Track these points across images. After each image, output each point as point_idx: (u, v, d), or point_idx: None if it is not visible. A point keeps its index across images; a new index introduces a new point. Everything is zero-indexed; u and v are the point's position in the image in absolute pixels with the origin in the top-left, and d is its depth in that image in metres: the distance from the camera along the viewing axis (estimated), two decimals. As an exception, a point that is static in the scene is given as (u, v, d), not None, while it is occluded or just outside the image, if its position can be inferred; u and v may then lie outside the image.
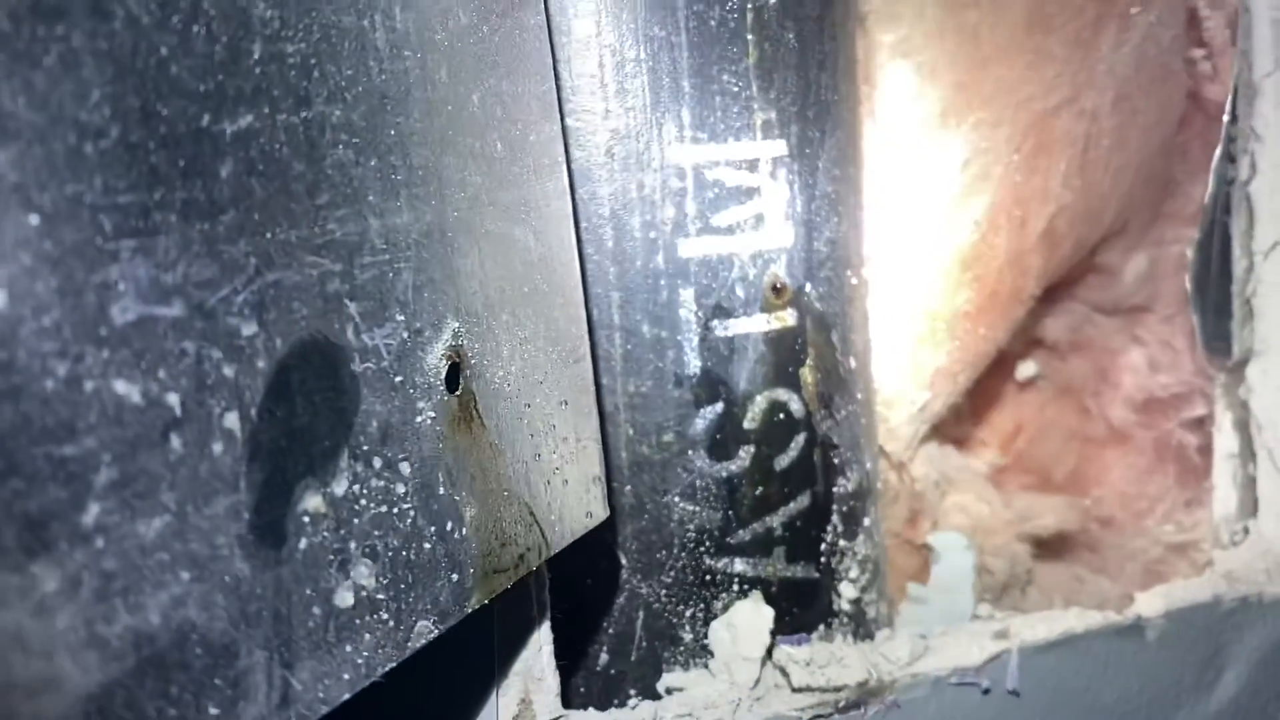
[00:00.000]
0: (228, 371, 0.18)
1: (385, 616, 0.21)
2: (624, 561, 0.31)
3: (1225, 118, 0.38)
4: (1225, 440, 0.40)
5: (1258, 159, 0.38)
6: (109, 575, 0.16)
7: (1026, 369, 0.40)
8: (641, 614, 0.32)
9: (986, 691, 0.33)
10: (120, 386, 0.16)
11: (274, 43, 0.19)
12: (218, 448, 0.17)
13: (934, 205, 0.33)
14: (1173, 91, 0.37)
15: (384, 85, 0.22)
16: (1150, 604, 0.37)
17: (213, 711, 0.17)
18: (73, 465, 0.16)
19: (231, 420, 0.18)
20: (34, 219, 0.15)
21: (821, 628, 0.33)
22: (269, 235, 0.18)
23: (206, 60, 0.17)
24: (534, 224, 0.28)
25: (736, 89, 0.31)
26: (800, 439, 0.33)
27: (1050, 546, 0.39)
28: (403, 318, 0.22)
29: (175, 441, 0.17)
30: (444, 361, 0.23)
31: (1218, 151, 0.37)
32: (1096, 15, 0.35)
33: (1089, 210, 0.36)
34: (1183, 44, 0.37)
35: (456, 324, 0.24)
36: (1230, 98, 0.38)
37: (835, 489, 0.34)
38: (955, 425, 0.40)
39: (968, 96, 0.34)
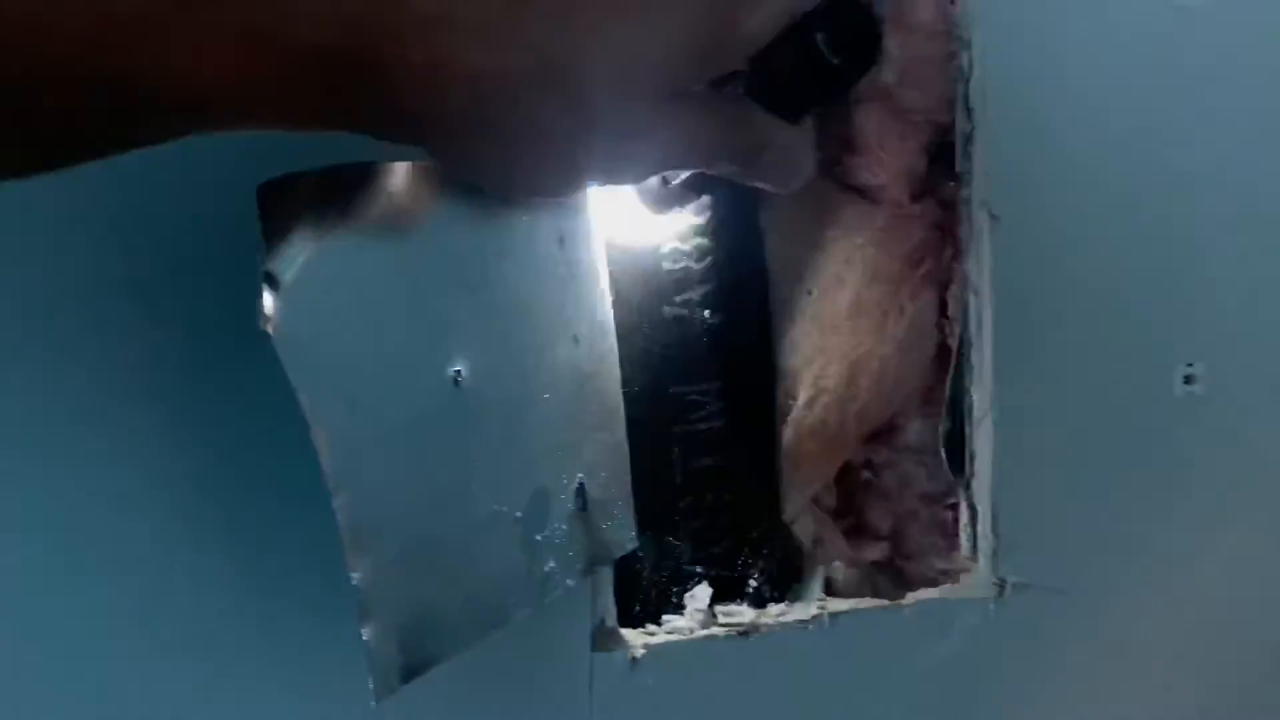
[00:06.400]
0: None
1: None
2: (645, 559, 0.68)
3: (956, 355, 0.74)
4: (964, 516, 0.76)
5: (973, 379, 0.73)
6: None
7: (866, 476, 0.76)
8: (654, 588, 0.68)
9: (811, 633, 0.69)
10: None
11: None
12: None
13: (797, 406, 0.70)
14: (929, 342, 0.73)
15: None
16: (914, 596, 0.73)
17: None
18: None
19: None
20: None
21: (737, 600, 0.69)
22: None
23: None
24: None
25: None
26: (730, 514, 0.69)
27: (873, 570, 0.75)
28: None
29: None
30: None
31: (951, 372, 0.73)
32: (886, 307, 0.72)
33: (883, 403, 0.72)
34: (936, 317, 0.73)
35: (582, 475, 0.61)
36: (957, 345, 0.73)
37: (748, 535, 0.70)
38: (826, 502, 0.76)
39: (817, 353, 0.70)
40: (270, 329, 0.40)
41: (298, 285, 0.41)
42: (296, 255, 0.41)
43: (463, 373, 0.48)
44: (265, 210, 0.41)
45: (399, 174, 0.46)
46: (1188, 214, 0.71)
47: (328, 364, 0.42)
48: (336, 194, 0.43)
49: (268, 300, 0.40)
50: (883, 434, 0.74)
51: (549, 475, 0.54)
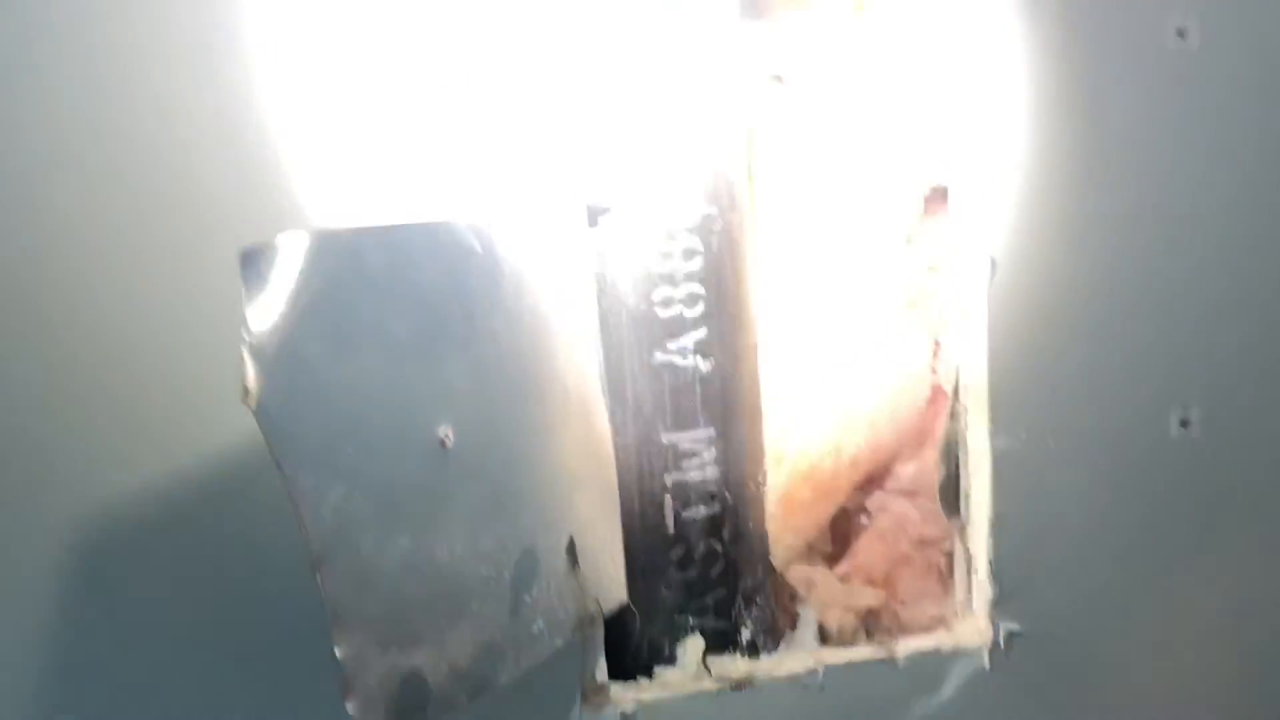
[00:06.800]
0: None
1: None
2: (635, 612, 0.66)
3: (950, 400, 0.73)
4: (960, 563, 0.75)
5: (968, 423, 0.72)
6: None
7: (860, 519, 0.75)
8: (645, 640, 0.67)
9: (806, 688, 0.68)
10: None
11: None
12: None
13: (789, 453, 0.69)
14: (922, 386, 0.71)
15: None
16: (909, 646, 0.72)
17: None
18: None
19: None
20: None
21: (730, 650, 0.68)
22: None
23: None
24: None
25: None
26: (722, 561, 0.68)
27: (867, 616, 0.74)
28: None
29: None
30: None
31: (946, 419, 0.72)
32: (882, 352, 0.71)
33: (876, 448, 0.71)
34: (930, 362, 0.72)
35: (572, 530, 0.59)
36: (953, 389, 0.72)
37: (740, 584, 0.69)
38: (820, 548, 0.75)
39: (810, 399, 0.69)
40: (251, 403, 0.39)
41: (280, 356, 0.40)
42: (279, 324, 0.40)
43: (449, 435, 0.47)
44: (248, 276, 0.39)
45: (382, 235, 0.45)
46: (1185, 259, 0.70)
47: (311, 436, 0.41)
48: (320, 258, 0.42)
49: (250, 371, 0.39)
50: (876, 477, 0.73)
51: (538, 533, 0.53)
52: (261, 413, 0.39)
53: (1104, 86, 0.67)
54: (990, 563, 0.71)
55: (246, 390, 0.38)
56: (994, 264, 0.67)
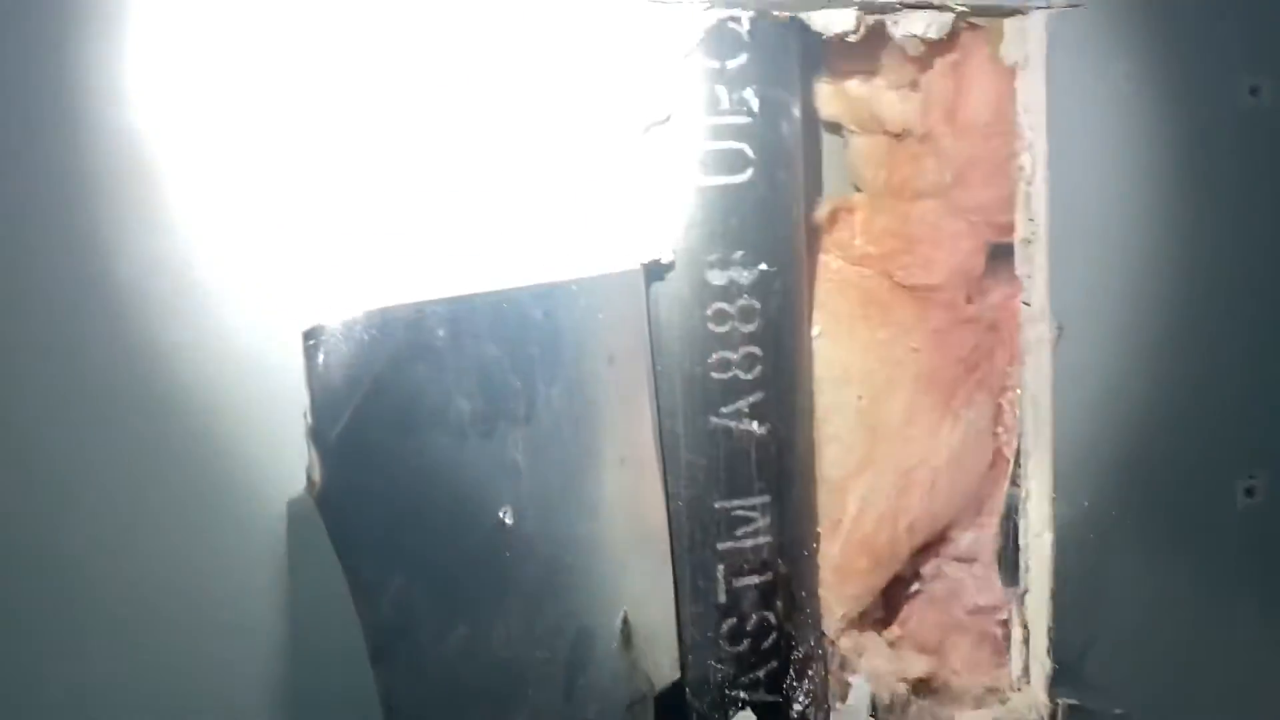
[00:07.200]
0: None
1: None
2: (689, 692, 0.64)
3: (1011, 465, 0.70)
4: (1016, 632, 0.72)
5: (1030, 490, 0.70)
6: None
7: (913, 586, 0.73)
8: (695, 717, 0.64)
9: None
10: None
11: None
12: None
13: (845, 519, 0.66)
14: (984, 451, 0.69)
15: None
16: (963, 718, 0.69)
17: None
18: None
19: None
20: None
21: (783, 726, 0.65)
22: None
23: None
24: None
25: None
26: (775, 633, 0.66)
27: (919, 685, 0.71)
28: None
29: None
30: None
31: (1007, 484, 0.70)
32: (941, 414, 0.68)
33: (934, 515, 0.68)
34: (991, 424, 0.70)
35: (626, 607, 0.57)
36: (1015, 456, 0.70)
37: (793, 656, 0.67)
38: (873, 614, 0.73)
39: (867, 463, 0.67)
40: (315, 494, 0.37)
41: (344, 443, 0.38)
42: (342, 408, 0.38)
43: (508, 515, 0.45)
44: (310, 358, 0.38)
45: (445, 308, 0.44)
46: (1252, 325, 0.68)
47: (373, 525, 0.39)
48: (383, 335, 0.40)
49: (314, 461, 0.37)
50: (932, 543, 0.71)
51: (593, 612, 0.51)
52: (324, 505, 0.37)
53: (1177, 146, 0.65)
54: (1049, 634, 0.68)
55: (312, 482, 0.36)
56: (1060, 328, 0.65)
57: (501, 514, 0.43)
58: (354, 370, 0.38)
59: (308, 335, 0.36)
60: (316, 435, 0.36)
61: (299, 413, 0.36)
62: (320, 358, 0.36)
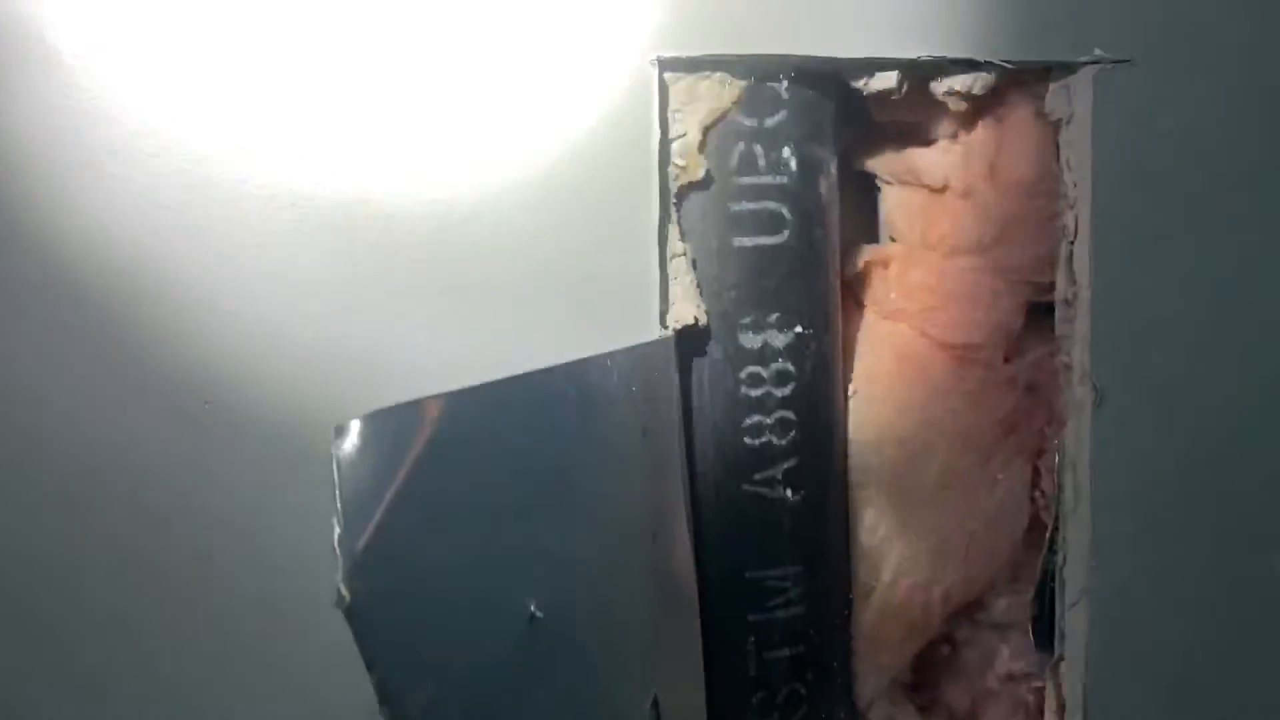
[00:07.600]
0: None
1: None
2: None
3: (1050, 530, 0.68)
4: (1051, 701, 0.70)
5: (1067, 556, 0.68)
6: None
7: (943, 649, 0.71)
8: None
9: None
10: None
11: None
12: None
13: (879, 586, 0.65)
14: (1021, 516, 0.67)
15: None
16: (998, 792, 0.67)
17: None
18: None
19: None
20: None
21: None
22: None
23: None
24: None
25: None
26: (805, 705, 0.64)
27: (951, 754, 0.70)
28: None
29: None
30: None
31: (1044, 550, 0.68)
32: (978, 478, 0.66)
33: (969, 582, 0.67)
34: (1028, 490, 0.68)
35: (656, 689, 0.55)
36: (1053, 521, 0.68)
37: (822, 727, 0.65)
38: (902, 679, 0.71)
39: (902, 529, 0.65)
40: (344, 607, 0.35)
41: (373, 551, 0.36)
42: (370, 511, 0.37)
43: (539, 609, 0.43)
44: (341, 460, 0.36)
45: (474, 396, 0.42)
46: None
47: (403, 632, 0.38)
48: (412, 430, 0.39)
49: (343, 571, 0.35)
50: (966, 608, 0.69)
51: (623, 699, 0.49)
52: (354, 616, 0.35)
53: (1225, 208, 0.63)
54: (1084, 703, 0.66)
55: (341, 596, 0.35)
56: (1100, 392, 0.63)
57: (532, 607, 0.41)
58: (381, 470, 0.36)
59: (337, 430, 0.34)
60: (345, 544, 0.34)
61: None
62: (348, 457, 0.34)
